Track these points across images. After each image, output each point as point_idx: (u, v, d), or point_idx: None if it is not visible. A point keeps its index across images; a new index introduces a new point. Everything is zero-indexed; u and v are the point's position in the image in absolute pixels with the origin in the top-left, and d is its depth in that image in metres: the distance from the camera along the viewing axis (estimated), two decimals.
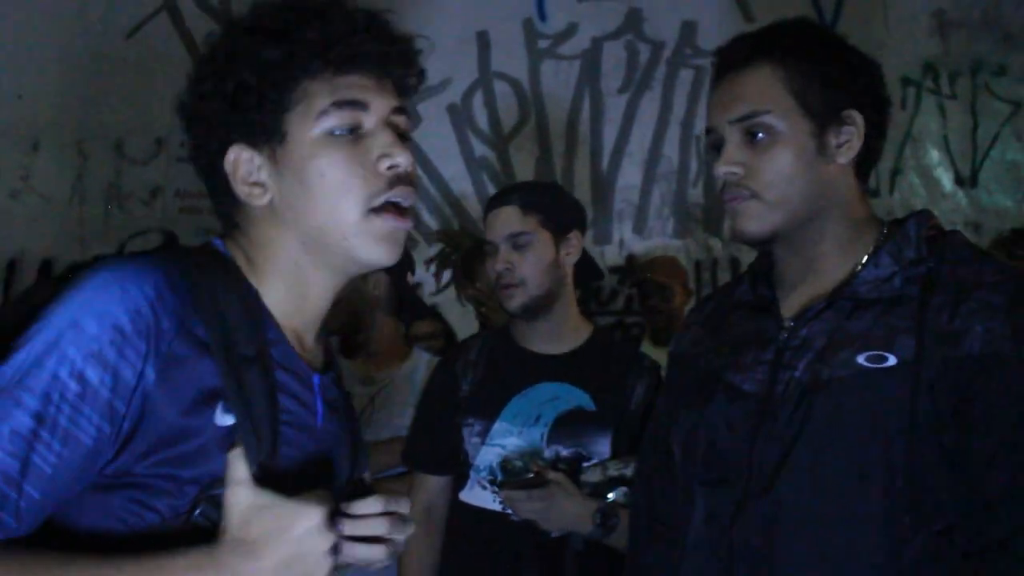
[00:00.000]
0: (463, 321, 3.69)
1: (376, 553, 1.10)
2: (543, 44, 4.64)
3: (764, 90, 1.41)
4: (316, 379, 1.19)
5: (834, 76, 1.41)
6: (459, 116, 4.61)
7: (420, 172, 4.58)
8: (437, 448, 2.22)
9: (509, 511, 2.03)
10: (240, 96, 1.12)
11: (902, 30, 4.68)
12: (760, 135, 1.40)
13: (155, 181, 4.50)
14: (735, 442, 1.42)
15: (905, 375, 1.31)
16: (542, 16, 4.63)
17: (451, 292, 3.91)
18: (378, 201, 1.13)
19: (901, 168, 4.66)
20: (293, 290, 1.16)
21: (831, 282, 1.43)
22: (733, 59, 1.45)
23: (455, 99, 4.60)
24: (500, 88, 4.63)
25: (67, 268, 1.15)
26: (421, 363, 2.69)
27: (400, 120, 1.18)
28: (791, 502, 1.35)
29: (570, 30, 4.63)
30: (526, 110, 4.63)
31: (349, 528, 1.07)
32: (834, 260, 1.43)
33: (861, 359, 1.34)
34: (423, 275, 4.30)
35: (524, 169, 4.55)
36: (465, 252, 3.55)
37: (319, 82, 1.13)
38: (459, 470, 2.18)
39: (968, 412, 1.29)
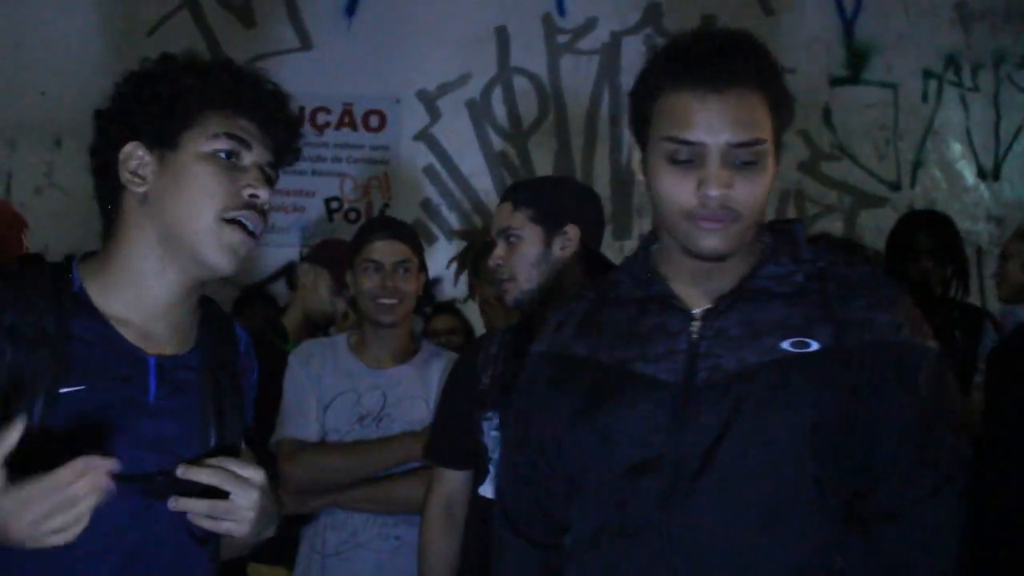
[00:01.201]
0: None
1: (197, 506, 1.29)
2: (562, 39, 4.64)
3: (762, 118, 1.44)
4: (151, 360, 1.38)
5: (789, 107, 1.49)
6: (478, 111, 4.62)
7: (439, 167, 4.60)
8: (457, 442, 2.23)
9: None
10: (152, 105, 1.37)
11: (924, 22, 4.65)
12: (749, 162, 1.42)
13: None
14: (657, 431, 1.46)
15: (827, 358, 1.44)
16: (561, 11, 4.63)
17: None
18: (231, 215, 1.37)
19: (923, 161, 4.63)
20: (136, 283, 1.39)
21: (732, 278, 1.51)
22: (728, 75, 1.42)
23: (474, 94, 4.61)
24: (519, 83, 4.63)
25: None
26: (432, 358, 2.70)
27: (271, 173, 1.44)
28: (729, 483, 1.43)
29: (589, 25, 4.63)
30: (545, 105, 4.63)
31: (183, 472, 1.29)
32: (735, 260, 1.50)
33: (785, 345, 1.45)
34: (443, 271, 4.32)
35: (543, 164, 4.56)
36: (476, 251, 3.56)
37: (218, 115, 1.39)
38: (479, 464, 2.19)
39: (878, 390, 1.45)
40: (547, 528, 1.63)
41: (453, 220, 4.59)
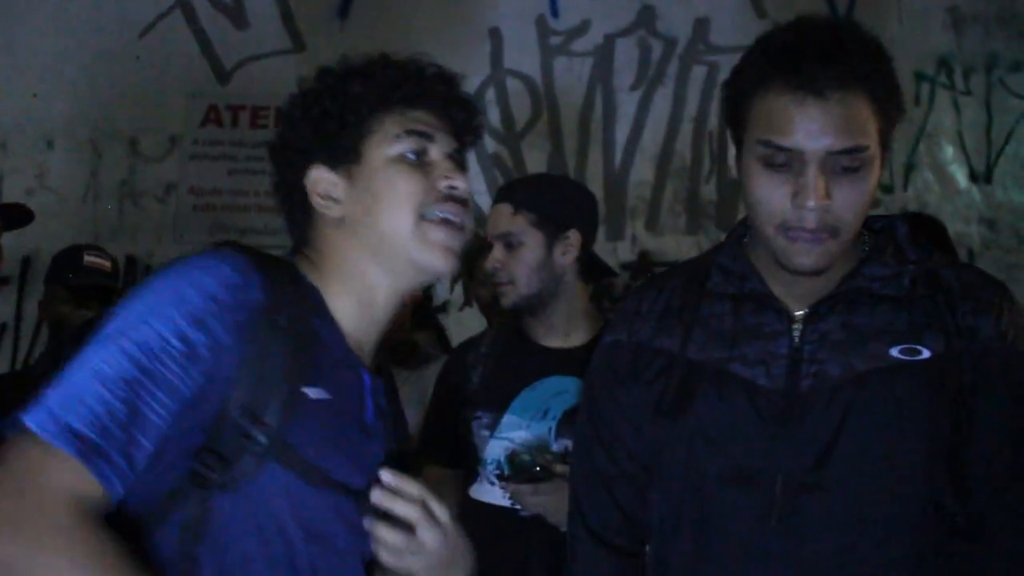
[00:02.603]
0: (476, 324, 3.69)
1: (392, 537, 1.21)
2: (555, 41, 4.64)
3: (867, 122, 1.32)
4: (367, 378, 1.30)
5: (897, 103, 1.37)
6: None
7: None
8: (448, 440, 2.23)
9: (518, 506, 2.03)
10: (324, 123, 1.30)
11: (916, 25, 4.65)
12: (850, 168, 1.32)
13: (169, 178, 4.52)
14: (758, 439, 1.39)
15: (938, 367, 1.36)
16: (555, 13, 4.63)
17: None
18: (431, 213, 1.28)
19: (915, 164, 4.63)
20: (358, 296, 1.30)
21: (830, 277, 1.41)
22: (830, 78, 1.29)
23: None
24: (512, 85, 4.63)
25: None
26: (431, 363, 2.69)
27: (461, 160, 1.36)
28: (839, 500, 1.35)
29: (583, 27, 4.63)
30: (538, 107, 4.63)
31: (379, 498, 1.22)
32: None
33: (895, 352, 1.37)
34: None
35: (536, 166, 4.55)
36: (471, 254, 3.55)
37: (393, 114, 1.31)
38: (469, 464, 2.18)
39: (981, 398, 1.37)
40: (625, 532, 1.54)
41: None
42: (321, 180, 1.30)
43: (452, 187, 1.30)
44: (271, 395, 1.15)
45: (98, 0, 4.55)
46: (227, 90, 4.49)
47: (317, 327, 1.24)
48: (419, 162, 1.30)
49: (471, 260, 3.48)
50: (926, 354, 1.37)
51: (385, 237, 1.28)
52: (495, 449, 2.12)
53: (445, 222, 1.29)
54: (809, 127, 1.30)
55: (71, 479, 1.02)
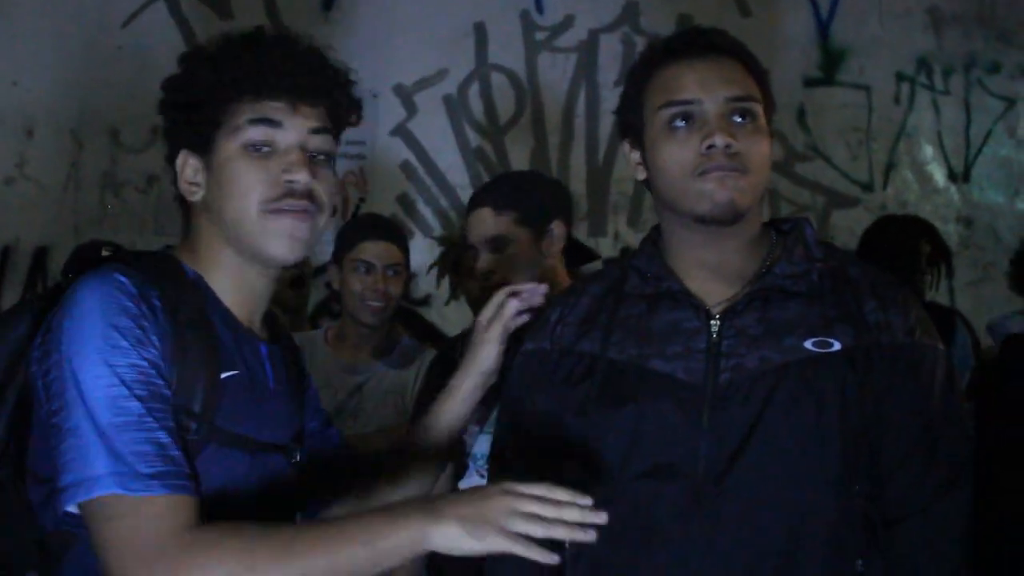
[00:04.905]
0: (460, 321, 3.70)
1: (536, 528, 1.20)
2: (540, 36, 4.65)
3: (749, 80, 1.49)
4: (263, 348, 1.41)
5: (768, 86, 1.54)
6: (455, 107, 4.61)
7: (416, 163, 4.59)
8: None
9: None
10: (185, 112, 1.37)
11: (897, 25, 4.69)
12: (747, 119, 1.46)
13: (150, 169, 4.49)
14: (680, 432, 1.43)
15: (849, 358, 1.43)
16: (539, 8, 4.64)
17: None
18: (272, 206, 1.33)
19: (895, 163, 4.68)
20: (233, 278, 1.38)
21: (742, 276, 1.50)
22: (712, 44, 1.49)
23: (451, 90, 4.60)
24: (497, 80, 4.63)
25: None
26: (410, 354, 2.70)
27: (318, 140, 1.38)
28: (755, 486, 1.40)
29: (567, 22, 4.64)
30: (522, 102, 4.64)
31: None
32: (743, 255, 1.51)
33: (808, 344, 1.44)
34: (418, 267, 4.30)
35: (520, 161, 4.56)
36: (457, 248, 3.56)
37: (242, 104, 1.34)
38: (458, 459, 2.19)
39: (891, 392, 1.44)
40: None
41: (429, 215, 4.58)
42: (187, 165, 1.38)
43: (291, 182, 1.33)
44: (195, 387, 1.27)
45: None
46: None
47: (209, 314, 1.34)
48: (263, 153, 1.34)
49: (456, 255, 3.49)
50: (837, 346, 1.43)
51: (233, 226, 1.35)
52: (485, 444, 2.12)
53: (286, 212, 1.33)
54: (702, 80, 1.46)
55: (168, 511, 1.17)
